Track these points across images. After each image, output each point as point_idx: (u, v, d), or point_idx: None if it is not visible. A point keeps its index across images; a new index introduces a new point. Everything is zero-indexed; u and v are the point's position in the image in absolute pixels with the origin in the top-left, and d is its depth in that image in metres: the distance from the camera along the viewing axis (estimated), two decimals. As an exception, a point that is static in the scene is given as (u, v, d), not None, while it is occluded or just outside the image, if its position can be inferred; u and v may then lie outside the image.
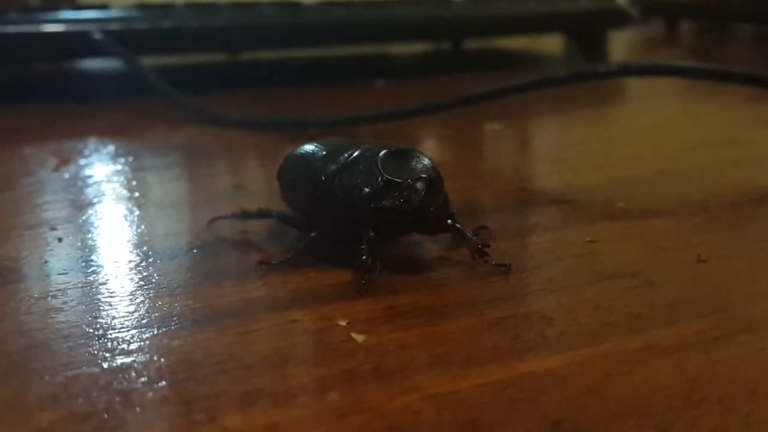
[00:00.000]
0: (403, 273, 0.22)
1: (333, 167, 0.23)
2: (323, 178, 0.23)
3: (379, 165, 0.22)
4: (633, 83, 0.51)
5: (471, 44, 0.68)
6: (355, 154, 0.23)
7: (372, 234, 0.21)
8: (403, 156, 0.22)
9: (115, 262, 0.23)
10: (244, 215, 0.25)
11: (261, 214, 0.25)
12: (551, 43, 0.69)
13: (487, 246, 0.22)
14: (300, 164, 0.25)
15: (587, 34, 0.66)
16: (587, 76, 0.39)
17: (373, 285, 0.20)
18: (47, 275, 0.22)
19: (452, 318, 0.19)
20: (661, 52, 0.74)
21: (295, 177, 0.25)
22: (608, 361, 0.17)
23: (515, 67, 0.62)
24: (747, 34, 0.81)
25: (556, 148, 0.39)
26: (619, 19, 0.65)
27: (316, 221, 0.23)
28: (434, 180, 0.21)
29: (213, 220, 0.25)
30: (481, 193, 0.29)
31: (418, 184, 0.21)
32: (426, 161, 0.22)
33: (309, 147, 0.25)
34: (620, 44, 0.71)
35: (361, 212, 0.21)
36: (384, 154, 0.22)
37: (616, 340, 0.18)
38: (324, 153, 0.24)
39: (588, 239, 0.24)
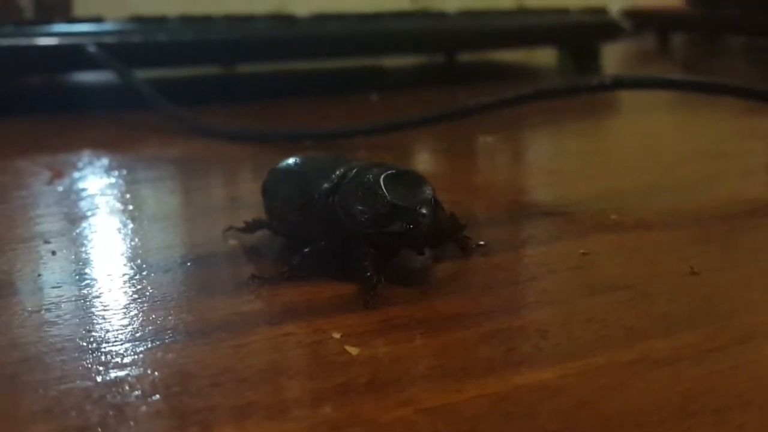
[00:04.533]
0: (398, 285, 0.22)
1: (326, 185, 0.23)
2: (316, 196, 0.23)
3: (383, 188, 0.22)
4: (626, 96, 0.51)
5: (465, 57, 0.68)
6: (351, 173, 0.23)
7: (374, 252, 0.21)
8: (404, 178, 0.22)
9: (109, 275, 0.23)
10: (250, 228, 0.25)
11: (258, 225, 0.25)
12: (545, 56, 0.69)
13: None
14: (287, 180, 0.25)
15: (580, 47, 0.66)
16: (580, 89, 0.39)
17: (379, 299, 0.21)
18: (41, 289, 0.22)
19: (447, 330, 0.19)
20: (653, 65, 0.74)
21: (283, 193, 0.24)
22: (603, 373, 0.17)
23: (509, 80, 0.62)
24: (738, 47, 0.82)
25: (549, 161, 0.40)
26: (611, 32, 0.65)
27: (305, 236, 0.23)
28: (438, 204, 0.22)
29: (228, 229, 0.25)
30: (474, 205, 0.29)
31: (424, 210, 0.21)
32: (426, 184, 0.22)
33: (294, 162, 0.25)
34: (613, 57, 0.71)
35: (366, 235, 0.21)
36: (386, 176, 0.22)
37: (610, 353, 0.18)
38: (313, 169, 0.24)
39: (582, 251, 0.24)
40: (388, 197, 0.21)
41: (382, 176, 0.22)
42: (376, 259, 0.21)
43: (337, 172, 0.23)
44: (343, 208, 0.22)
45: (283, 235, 0.25)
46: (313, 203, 0.23)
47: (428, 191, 0.22)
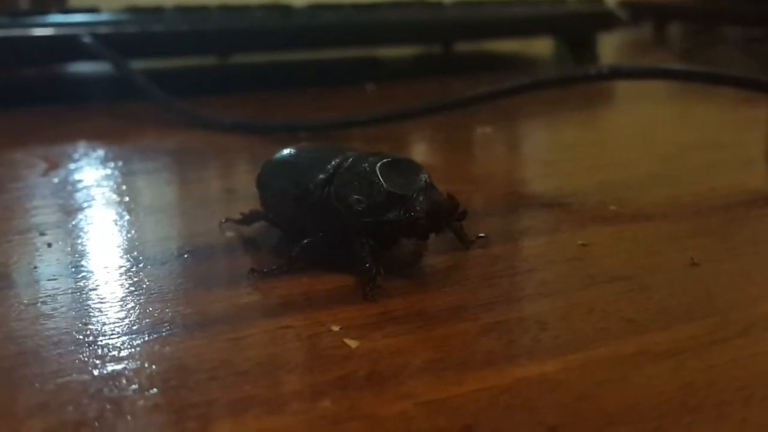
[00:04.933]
0: (396, 277, 0.22)
1: (321, 176, 0.23)
2: (312, 187, 0.23)
3: (380, 177, 0.21)
4: (623, 86, 0.51)
5: (461, 47, 0.68)
6: (347, 163, 0.23)
7: (373, 243, 0.21)
8: (400, 166, 0.22)
9: (106, 267, 0.23)
10: (247, 220, 0.25)
11: (255, 217, 0.25)
12: (541, 46, 0.69)
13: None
14: (282, 172, 0.24)
15: (577, 36, 0.66)
16: (578, 79, 0.39)
17: (379, 290, 0.20)
18: (37, 281, 0.22)
19: (446, 323, 0.19)
20: (650, 55, 0.74)
21: (278, 185, 0.24)
22: (603, 366, 0.17)
23: (506, 70, 0.62)
24: (735, 37, 0.81)
25: (547, 152, 0.39)
26: (608, 21, 0.65)
27: (302, 228, 0.23)
28: (435, 189, 0.22)
29: (225, 221, 0.25)
30: (473, 196, 0.29)
31: (421, 197, 0.21)
32: (422, 171, 0.22)
33: (289, 154, 0.25)
34: (609, 47, 0.71)
35: (363, 224, 0.21)
36: (382, 165, 0.22)
37: (610, 345, 0.18)
38: (307, 161, 0.24)
39: (581, 243, 0.24)
40: (385, 185, 0.21)
41: (378, 165, 0.22)
42: (375, 250, 0.21)
43: (332, 163, 0.23)
44: (340, 198, 0.22)
45: (280, 227, 0.25)
46: (309, 194, 0.23)
47: (424, 178, 0.22)
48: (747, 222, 0.26)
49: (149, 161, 0.36)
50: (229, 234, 0.25)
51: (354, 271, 0.21)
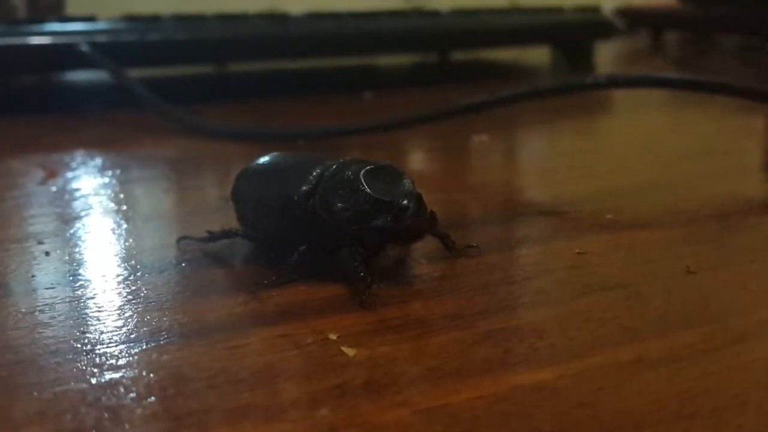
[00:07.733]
0: (393, 286, 0.22)
1: (305, 187, 0.22)
2: (296, 199, 0.22)
3: (365, 184, 0.22)
4: (620, 95, 0.51)
5: (458, 56, 0.68)
6: (329, 172, 0.23)
7: (363, 250, 0.21)
8: (383, 173, 0.22)
9: (103, 276, 0.23)
10: (212, 238, 0.24)
11: (226, 234, 0.24)
12: (538, 55, 0.69)
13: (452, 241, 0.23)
14: (261, 183, 0.24)
15: (574, 45, 0.66)
16: (574, 88, 0.39)
17: (375, 299, 0.20)
18: (34, 290, 0.22)
19: (443, 331, 0.19)
20: (646, 64, 0.74)
21: (257, 198, 0.24)
22: (599, 373, 0.17)
23: (502, 79, 0.62)
24: (731, 46, 0.82)
25: (543, 160, 0.40)
26: (605, 30, 0.65)
27: (286, 240, 0.23)
28: (420, 196, 0.22)
29: (181, 239, 0.25)
30: (469, 205, 0.29)
31: (407, 202, 0.21)
32: (406, 177, 0.22)
33: (265, 163, 0.25)
34: (606, 56, 0.71)
35: (350, 232, 0.21)
36: (365, 172, 0.22)
37: (606, 353, 0.18)
38: (287, 171, 0.24)
39: (577, 251, 0.24)
40: (370, 192, 0.21)
41: (362, 172, 0.22)
42: (367, 258, 0.21)
43: (314, 173, 0.23)
44: (325, 208, 0.22)
45: (255, 241, 0.24)
46: (293, 206, 0.22)
47: (408, 184, 0.22)
48: (743, 230, 0.26)
49: (147, 169, 0.36)
50: (225, 241, 0.25)
51: (348, 279, 0.21)
